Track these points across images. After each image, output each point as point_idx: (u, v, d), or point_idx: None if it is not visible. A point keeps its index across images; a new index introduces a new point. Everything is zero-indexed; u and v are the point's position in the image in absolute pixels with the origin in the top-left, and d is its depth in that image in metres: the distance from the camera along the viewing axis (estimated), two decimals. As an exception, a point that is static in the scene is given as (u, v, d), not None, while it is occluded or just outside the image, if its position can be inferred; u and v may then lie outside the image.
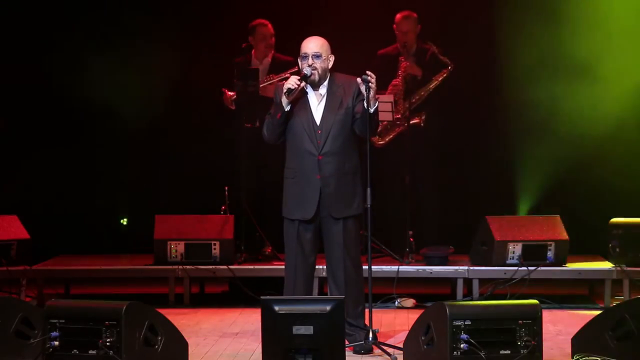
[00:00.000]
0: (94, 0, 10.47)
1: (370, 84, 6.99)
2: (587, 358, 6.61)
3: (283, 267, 7.43)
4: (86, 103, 10.44)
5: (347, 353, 6.48)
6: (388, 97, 9.38)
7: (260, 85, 9.50)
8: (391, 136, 9.65)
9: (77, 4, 10.43)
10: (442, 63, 9.60)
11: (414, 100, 9.62)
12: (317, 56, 7.17)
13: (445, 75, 9.64)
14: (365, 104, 7.02)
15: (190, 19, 10.53)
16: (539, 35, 10.16)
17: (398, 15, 9.72)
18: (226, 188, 9.51)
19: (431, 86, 9.66)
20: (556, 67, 10.17)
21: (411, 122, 9.63)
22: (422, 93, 9.67)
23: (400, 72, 9.59)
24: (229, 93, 9.68)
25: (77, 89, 10.41)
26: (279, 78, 9.54)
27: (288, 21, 10.05)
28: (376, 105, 7.08)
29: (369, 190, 7.01)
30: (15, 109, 10.50)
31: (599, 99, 10.15)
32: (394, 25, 9.72)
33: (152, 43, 10.41)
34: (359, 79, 7.05)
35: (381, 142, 9.71)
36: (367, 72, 7.02)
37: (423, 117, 9.63)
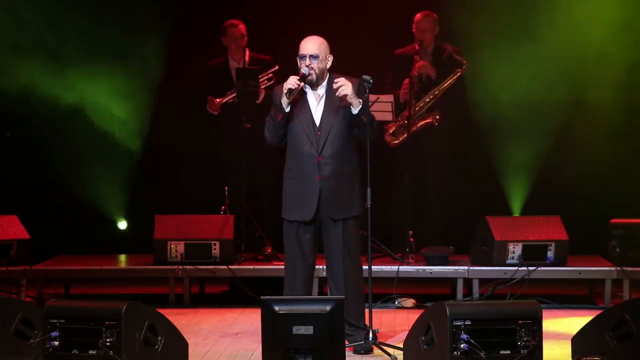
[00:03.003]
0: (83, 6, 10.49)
1: (343, 88, 7.04)
2: (587, 358, 6.61)
3: (283, 267, 7.43)
4: (86, 105, 10.45)
5: (347, 353, 6.47)
6: (388, 97, 9.39)
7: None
8: (405, 135, 9.63)
9: (62, 6, 10.44)
10: (456, 62, 9.61)
11: (427, 99, 9.65)
12: (314, 57, 7.17)
13: (458, 74, 9.65)
14: (354, 108, 7.07)
15: (189, 19, 10.53)
16: (543, 37, 10.16)
17: (418, 14, 9.74)
18: (226, 188, 9.51)
19: (444, 85, 9.67)
20: (558, 68, 10.17)
21: (425, 121, 9.65)
22: (436, 92, 9.68)
23: (413, 71, 9.58)
24: (216, 100, 9.68)
25: (77, 91, 10.42)
26: (260, 79, 9.52)
27: (275, 20, 10.08)
28: (359, 106, 7.07)
29: (369, 190, 7.01)
30: (15, 110, 10.50)
31: (601, 99, 10.15)
32: (413, 25, 9.73)
33: (150, 43, 10.41)
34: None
35: (395, 142, 9.70)
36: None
37: (437, 117, 9.64)
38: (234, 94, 9.64)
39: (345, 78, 7.22)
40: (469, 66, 9.68)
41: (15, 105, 10.42)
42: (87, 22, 10.38)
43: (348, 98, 7.08)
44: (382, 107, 9.18)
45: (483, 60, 10.08)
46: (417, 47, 9.73)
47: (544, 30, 10.15)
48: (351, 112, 7.11)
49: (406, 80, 9.60)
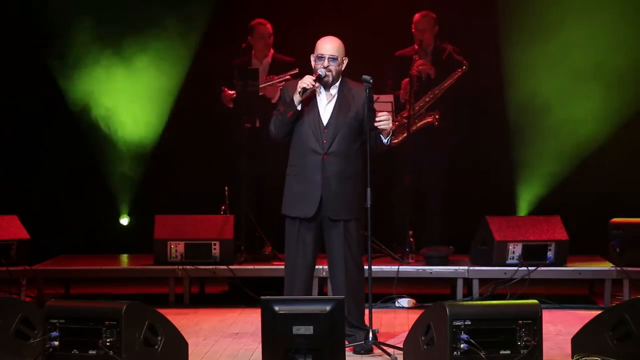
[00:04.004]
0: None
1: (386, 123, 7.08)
2: (587, 358, 6.61)
3: (283, 267, 7.43)
4: (86, 104, 10.45)
5: (347, 353, 6.47)
6: (387, 97, 9.39)
7: (260, 86, 9.51)
8: (405, 135, 9.64)
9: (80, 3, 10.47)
10: (457, 62, 9.61)
11: (427, 99, 9.66)
12: (333, 59, 7.16)
13: (459, 74, 9.65)
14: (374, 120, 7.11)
15: (189, 18, 10.53)
16: (545, 37, 10.17)
17: (417, 15, 9.75)
18: (226, 188, 9.50)
19: (445, 85, 9.67)
20: (559, 68, 10.17)
21: (425, 120, 9.66)
22: (437, 92, 9.69)
23: (412, 71, 9.58)
24: (229, 92, 9.68)
25: (77, 90, 10.43)
26: (279, 79, 9.55)
27: (290, 20, 10.07)
28: (389, 136, 7.13)
29: (368, 190, 7.01)
30: (15, 109, 10.50)
31: (600, 99, 10.16)
32: (412, 25, 9.75)
33: (151, 43, 10.42)
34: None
35: (395, 141, 9.70)
36: (378, 115, 7.11)
37: (437, 116, 9.65)
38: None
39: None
40: (471, 65, 9.67)
41: (17, 103, 10.45)
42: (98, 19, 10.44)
43: (386, 132, 7.11)
44: (382, 107, 9.15)
45: (486, 60, 10.07)
46: (416, 47, 9.74)
47: (550, 30, 10.15)
48: (378, 137, 7.14)
49: (406, 80, 9.61)
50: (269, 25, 9.79)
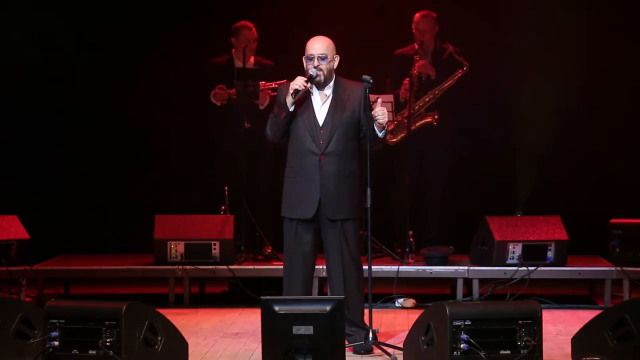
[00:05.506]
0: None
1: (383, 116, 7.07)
2: (587, 359, 6.61)
3: (282, 267, 7.42)
4: (86, 103, 10.45)
5: (347, 353, 6.48)
6: (388, 97, 9.39)
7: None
8: (404, 134, 9.63)
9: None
10: (457, 63, 9.61)
11: (427, 99, 9.65)
12: (322, 58, 7.16)
13: (460, 75, 9.64)
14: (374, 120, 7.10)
15: (188, 18, 10.54)
16: (549, 37, 10.18)
17: (417, 15, 9.75)
18: (226, 188, 9.50)
19: (445, 85, 9.67)
20: (561, 68, 10.18)
21: (424, 120, 9.66)
22: (437, 92, 9.69)
23: (413, 71, 9.58)
24: (227, 90, 9.65)
25: (76, 87, 10.43)
26: (270, 87, 9.52)
27: (276, 24, 10.08)
28: (384, 130, 7.13)
29: (368, 190, 7.00)
30: (14, 110, 10.50)
31: (600, 99, 10.17)
32: (413, 25, 9.74)
33: (151, 41, 10.43)
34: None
35: (394, 140, 9.70)
36: (376, 110, 7.10)
37: (437, 117, 9.64)
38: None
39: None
40: (472, 66, 9.66)
41: (15, 103, 10.46)
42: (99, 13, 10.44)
43: (381, 125, 7.11)
44: (382, 106, 9.16)
45: (487, 60, 10.07)
46: (417, 47, 9.73)
47: (553, 31, 10.17)
48: (373, 129, 7.13)
49: (406, 80, 9.61)
50: (254, 30, 9.74)
